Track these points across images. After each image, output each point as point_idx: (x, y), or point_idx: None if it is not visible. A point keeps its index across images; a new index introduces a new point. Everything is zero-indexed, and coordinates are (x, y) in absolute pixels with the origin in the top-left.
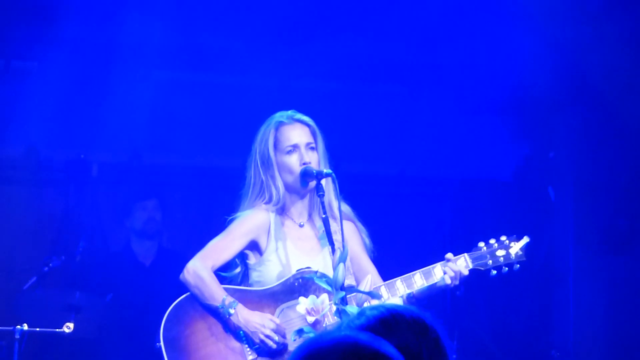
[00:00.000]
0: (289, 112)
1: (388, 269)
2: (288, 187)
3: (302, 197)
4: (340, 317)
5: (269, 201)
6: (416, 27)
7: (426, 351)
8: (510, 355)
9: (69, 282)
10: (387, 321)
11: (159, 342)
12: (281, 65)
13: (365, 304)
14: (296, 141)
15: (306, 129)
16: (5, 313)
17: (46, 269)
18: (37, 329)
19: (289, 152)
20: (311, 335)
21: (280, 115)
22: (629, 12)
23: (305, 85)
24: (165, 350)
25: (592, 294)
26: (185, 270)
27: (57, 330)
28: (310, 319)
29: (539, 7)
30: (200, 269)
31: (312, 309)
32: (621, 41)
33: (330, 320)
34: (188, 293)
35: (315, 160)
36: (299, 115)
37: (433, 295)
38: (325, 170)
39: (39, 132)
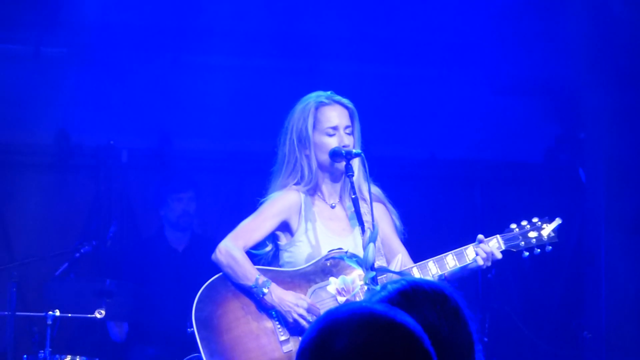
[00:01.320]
0: (329, 93)
1: (420, 251)
2: (322, 167)
3: (334, 178)
4: None
5: (301, 179)
6: (447, 8)
7: (446, 322)
8: (543, 337)
9: (101, 268)
10: (406, 293)
11: (191, 327)
12: (311, 48)
13: None
14: (336, 123)
15: (345, 112)
16: (38, 299)
17: (77, 254)
18: (69, 315)
19: (328, 134)
20: None
21: (319, 95)
22: None
23: (334, 68)
24: (197, 330)
25: (625, 275)
26: (217, 250)
27: (89, 315)
28: (341, 299)
29: None
30: (232, 249)
31: (342, 289)
32: None
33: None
34: (220, 273)
35: (352, 143)
36: (339, 97)
37: (465, 277)
38: (354, 151)
39: (68, 118)
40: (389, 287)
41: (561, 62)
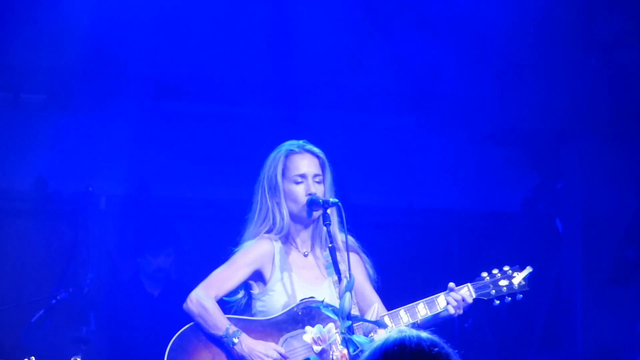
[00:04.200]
0: (300, 142)
1: (397, 299)
2: (292, 216)
3: (306, 226)
4: (346, 346)
5: (273, 227)
6: (424, 58)
7: None
8: None
9: (77, 314)
10: (387, 353)
11: None
12: (290, 96)
13: (372, 334)
14: (304, 171)
15: (315, 161)
16: (13, 346)
17: (54, 301)
18: None
19: (295, 181)
20: None
21: (291, 144)
22: (638, 43)
23: (314, 117)
24: None
25: (600, 324)
26: (188, 300)
27: None
28: (317, 348)
29: (547, 38)
30: (203, 299)
31: (318, 338)
32: (629, 72)
33: (337, 349)
34: (192, 323)
35: (321, 192)
36: (310, 146)
37: (438, 325)
38: (331, 200)
39: (47, 164)
40: (386, 341)
41: (539, 113)
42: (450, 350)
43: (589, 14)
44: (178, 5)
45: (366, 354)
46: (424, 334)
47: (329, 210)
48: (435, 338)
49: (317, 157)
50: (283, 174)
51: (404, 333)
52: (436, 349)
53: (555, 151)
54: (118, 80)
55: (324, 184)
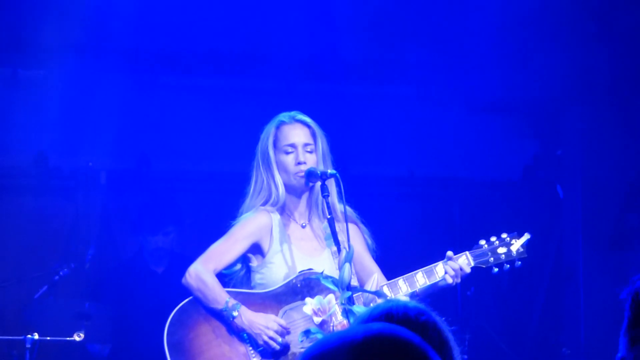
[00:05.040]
0: (292, 113)
1: (397, 269)
2: (287, 187)
3: (300, 196)
4: (347, 317)
5: (268, 199)
6: (424, 27)
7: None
8: (522, 353)
9: (79, 290)
10: (390, 316)
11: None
12: (289, 69)
13: (372, 304)
14: (294, 140)
15: (306, 130)
16: (16, 322)
17: (56, 277)
18: (48, 338)
19: (286, 151)
20: (319, 336)
21: (282, 115)
22: (635, 9)
23: (312, 87)
24: (169, 354)
25: (603, 290)
26: (187, 274)
27: (68, 338)
28: (317, 320)
29: (545, 5)
30: (202, 273)
31: (319, 309)
32: (628, 38)
33: (338, 320)
34: (191, 297)
35: (313, 161)
36: (301, 116)
37: (437, 293)
38: (329, 171)
39: (47, 140)
40: (373, 311)
41: (538, 80)
42: (437, 318)
43: None
44: None
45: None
46: (411, 303)
47: (327, 182)
48: (421, 306)
49: (308, 126)
50: (274, 145)
51: (391, 303)
52: (423, 317)
53: (554, 118)
54: (116, 54)
55: (316, 153)
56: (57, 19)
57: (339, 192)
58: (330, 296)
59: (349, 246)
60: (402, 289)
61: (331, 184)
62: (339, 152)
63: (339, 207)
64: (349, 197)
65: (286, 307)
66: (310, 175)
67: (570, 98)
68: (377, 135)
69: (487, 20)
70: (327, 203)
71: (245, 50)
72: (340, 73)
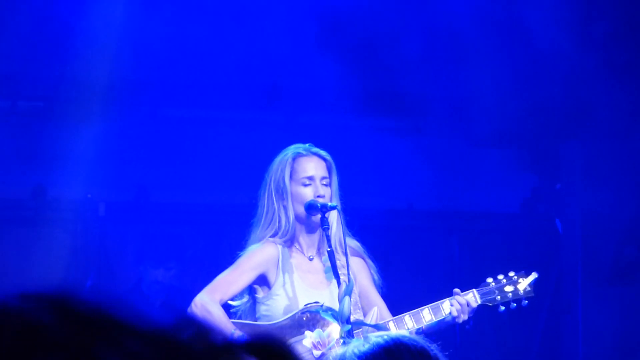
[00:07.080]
0: (307, 145)
1: (397, 303)
2: (299, 219)
3: (311, 230)
4: None
5: (279, 230)
6: (423, 60)
7: None
8: None
9: None
10: (391, 351)
11: None
12: (290, 100)
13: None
14: (312, 173)
15: (323, 163)
16: None
17: None
18: None
19: (304, 184)
20: None
21: (297, 147)
22: (635, 42)
23: (313, 120)
24: None
25: (601, 325)
26: (193, 304)
27: None
28: (317, 353)
29: (543, 37)
30: (208, 303)
31: (318, 342)
32: (627, 71)
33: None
34: None
35: (328, 195)
36: (317, 149)
37: (442, 330)
38: (330, 204)
39: (45, 172)
40: (373, 341)
41: (537, 114)
42: (438, 352)
43: (585, 13)
44: (174, 12)
45: (365, 347)
46: (406, 337)
47: (328, 215)
48: (422, 341)
49: (324, 159)
50: (291, 177)
51: (397, 334)
52: (433, 351)
53: (553, 152)
54: (116, 87)
55: (330, 187)
56: (55, 52)
57: (341, 225)
58: (331, 329)
59: (349, 279)
60: (408, 325)
61: (335, 217)
62: (338, 185)
63: (341, 239)
64: (350, 230)
65: (291, 341)
66: (310, 207)
67: (570, 132)
68: (375, 168)
69: (487, 54)
70: (328, 236)
71: (244, 82)
72: (339, 105)
